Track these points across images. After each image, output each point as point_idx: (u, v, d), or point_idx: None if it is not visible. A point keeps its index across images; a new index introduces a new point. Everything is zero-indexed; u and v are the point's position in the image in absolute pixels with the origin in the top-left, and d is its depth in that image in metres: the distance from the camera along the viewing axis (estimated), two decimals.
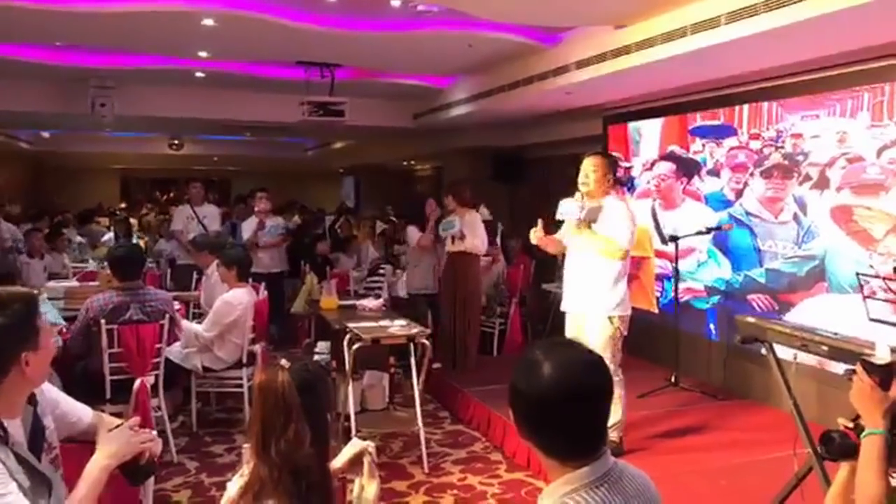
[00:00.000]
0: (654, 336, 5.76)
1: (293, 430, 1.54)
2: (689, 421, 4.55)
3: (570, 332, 3.99)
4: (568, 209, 3.89)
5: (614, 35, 4.93)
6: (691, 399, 5.01)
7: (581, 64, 5.32)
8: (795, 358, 2.82)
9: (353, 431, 4.04)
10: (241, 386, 4.78)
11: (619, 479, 1.40)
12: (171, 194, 17.07)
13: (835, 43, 4.00)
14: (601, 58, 5.09)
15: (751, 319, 3.03)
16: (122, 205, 16.44)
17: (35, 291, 2.13)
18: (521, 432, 1.43)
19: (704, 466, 3.86)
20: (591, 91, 5.84)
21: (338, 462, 1.87)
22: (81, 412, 2.03)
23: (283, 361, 1.61)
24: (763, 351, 2.99)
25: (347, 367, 4.20)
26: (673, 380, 5.16)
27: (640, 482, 1.46)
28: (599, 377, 1.40)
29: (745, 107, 5.24)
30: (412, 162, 14.13)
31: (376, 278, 7.06)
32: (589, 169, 3.92)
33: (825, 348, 2.60)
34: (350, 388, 4.24)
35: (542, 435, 1.40)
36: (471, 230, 5.82)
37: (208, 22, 5.19)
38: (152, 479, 2.12)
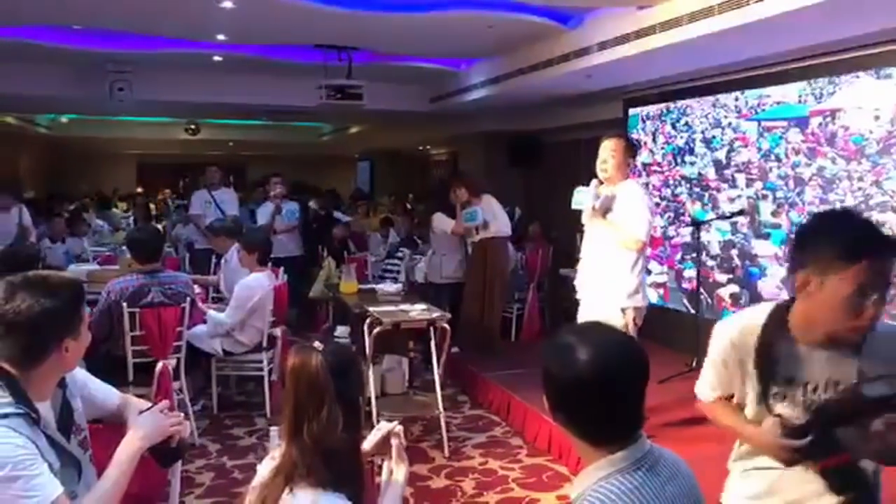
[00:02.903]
0: (673, 321, 5.72)
1: (326, 413, 1.53)
2: None
3: (583, 319, 3.94)
4: (581, 199, 3.81)
5: (637, 16, 4.85)
6: None
7: (603, 46, 5.25)
8: None
9: (375, 415, 4.05)
10: (260, 369, 4.80)
11: (656, 463, 1.38)
12: (187, 179, 17.13)
13: (871, 21, 3.89)
14: (624, 39, 5.02)
15: None
16: (139, 189, 16.53)
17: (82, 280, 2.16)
18: (555, 417, 1.41)
19: (727, 453, 3.81)
20: (612, 73, 5.76)
21: (366, 445, 1.86)
22: (109, 394, 2.04)
23: (317, 344, 1.59)
24: None
25: (368, 351, 4.20)
26: (693, 365, 5.11)
27: (677, 467, 1.44)
28: (635, 358, 1.38)
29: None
30: (427, 147, 14.08)
31: (394, 261, 7.04)
32: (608, 153, 3.78)
33: None
34: (370, 372, 4.24)
35: (577, 419, 1.38)
36: (492, 215, 5.82)
37: (227, 5, 5.15)
38: (180, 461, 2.12)
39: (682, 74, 5.68)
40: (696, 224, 5.20)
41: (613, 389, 1.32)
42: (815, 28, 4.07)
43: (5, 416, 1.59)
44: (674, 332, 5.65)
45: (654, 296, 6.00)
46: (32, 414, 1.65)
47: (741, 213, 5.19)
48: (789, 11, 3.69)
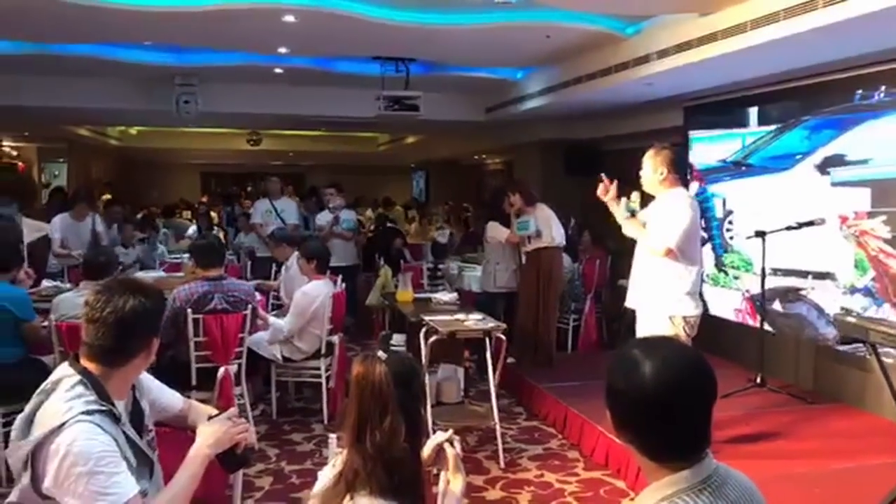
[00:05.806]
0: (736, 334, 5.54)
1: (389, 423, 1.54)
2: (777, 424, 4.35)
3: (641, 329, 3.90)
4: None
5: (698, 22, 4.75)
6: (778, 401, 4.79)
7: (663, 53, 5.16)
8: None
9: (430, 425, 4.05)
10: (318, 376, 4.86)
11: (723, 483, 1.33)
12: (249, 188, 17.57)
13: None
14: (685, 46, 4.92)
15: (852, 319, 2.87)
16: (203, 199, 17.01)
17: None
18: (618, 433, 1.38)
19: (795, 472, 3.68)
20: (672, 81, 5.65)
21: (423, 454, 1.86)
22: (172, 398, 2.11)
23: (381, 353, 1.61)
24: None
25: (423, 359, 4.21)
26: (758, 380, 4.95)
27: (744, 488, 1.39)
28: (703, 375, 1.34)
29: None
30: (482, 156, 14.08)
31: (436, 281, 7.04)
32: (646, 165, 3.91)
33: None
34: (426, 380, 4.25)
35: (640, 436, 1.34)
36: (545, 225, 5.77)
37: (289, 18, 5.28)
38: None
39: (747, 81, 5.53)
40: (762, 234, 5.04)
41: (679, 407, 1.29)
42: (890, 32, 3.90)
43: (91, 412, 1.66)
44: (738, 345, 5.49)
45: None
46: (115, 410, 1.72)
47: (811, 223, 4.99)
48: (862, 15, 3.55)
